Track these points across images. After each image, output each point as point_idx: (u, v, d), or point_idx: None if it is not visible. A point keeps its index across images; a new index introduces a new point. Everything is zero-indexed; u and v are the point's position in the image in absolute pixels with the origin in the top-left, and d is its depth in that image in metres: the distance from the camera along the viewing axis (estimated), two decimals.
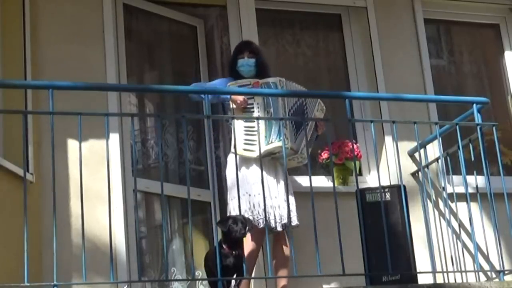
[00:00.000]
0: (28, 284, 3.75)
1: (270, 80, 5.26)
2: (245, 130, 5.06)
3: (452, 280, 5.10)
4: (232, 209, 4.99)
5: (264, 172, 5.02)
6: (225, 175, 5.27)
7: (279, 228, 5.01)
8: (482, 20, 7.00)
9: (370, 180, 5.99)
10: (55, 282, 3.86)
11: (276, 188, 5.07)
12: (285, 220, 5.00)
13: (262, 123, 5.02)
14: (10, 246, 4.47)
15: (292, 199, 5.09)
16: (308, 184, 4.47)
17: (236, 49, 5.54)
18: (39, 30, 5.42)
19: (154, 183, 5.44)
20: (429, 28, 6.70)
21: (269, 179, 5.07)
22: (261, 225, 4.91)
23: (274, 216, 5.00)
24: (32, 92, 5.11)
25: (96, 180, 4.95)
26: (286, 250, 5.06)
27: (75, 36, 5.51)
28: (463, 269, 5.14)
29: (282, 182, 5.07)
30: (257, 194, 4.96)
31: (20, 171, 4.60)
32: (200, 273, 5.43)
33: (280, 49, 6.51)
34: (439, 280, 5.07)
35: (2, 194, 4.68)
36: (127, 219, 5.23)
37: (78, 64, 5.43)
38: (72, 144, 5.15)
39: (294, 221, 5.04)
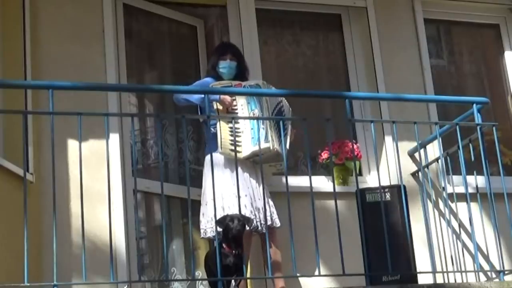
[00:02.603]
0: (28, 284, 3.75)
1: (253, 82, 5.31)
2: (230, 131, 5.03)
3: (452, 280, 5.10)
4: (220, 208, 4.96)
5: (247, 175, 5.06)
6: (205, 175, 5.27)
7: (263, 230, 5.03)
8: (482, 20, 7.00)
9: (370, 180, 5.99)
10: (55, 282, 3.86)
11: (258, 191, 5.10)
12: (268, 222, 5.02)
13: (248, 124, 5.04)
14: (10, 246, 4.47)
15: (270, 201, 5.15)
16: (308, 184, 4.47)
17: (219, 50, 5.56)
18: (39, 30, 5.42)
19: (154, 183, 5.44)
20: (429, 28, 6.70)
21: (252, 182, 5.09)
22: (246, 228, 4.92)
23: (259, 218, 5.02)
24: (32, 92, 5.11)
25: (96, 180, 4.95)
26: (274, 252, 5.07)
27: (75, 36, 5.51)
28: (463, 269, 5.14)
29: (262, 185, 5.13)
30: (243, 196, 4.96)
31: (20, 171, 4.60)
32: (200, 273, 5.43)
33: (280, 49, 6.51)
34: (439, 280, 5.08)
35: (2, 194, 4.67)
36: (127, 219, 5.23)
37: (78, 64, 5.43)
38: (72, 144, 5.15)
39: (277, 223, 5.13)
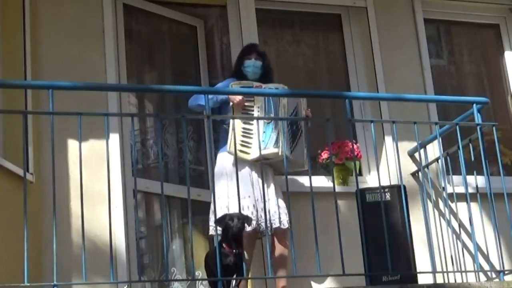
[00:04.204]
0: (28, 284, 3.75)
1: (273, 85, 5.27)
2: (243, 132, 5.05)
3: (452, 280, 5.10)
4: (219, 208, 4.95)
5: (255, 175, 5.06)
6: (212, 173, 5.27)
7: (269, 232, 5.02)
8: (482, 20, 7.01)
9: (370, 180, 5.99)
10: (55, 282, 3.86)
11: (267, 192, 5.09)
12: (276, 224, 5.02)
13: (260, 127, 5.04)
14: (10, 246, 4.47)
15: (281, 202, 5.12)
16: (308, 184, 4.47)
17: (244, 50, 5.55)
18: (39, 30, 5.42)
19: (154, 183, 5.43)
20: (429, 28, 6.70)
21: (260, 183, 5.08)
22: (248, 228, 4.91)
23: (267, 219, 5.00)
24: (32, 92, 5.11)
25: (96, 180, 4.94)
26: (285, 251, 5.06)
27: (75, 36, 5.51)
28: (463, 269, 5.14)
29: (272, 186, 5.12)
30: (247, 196, 4.96)
31: (20, 171, 4.60)
32: (200, 273, 5.43)
33: (280, 49, 6.51)
34: (439, 280, 5.08)
35: (2, 194, 4.67)
36: (127, 219, 5.23)
37: (78, 64, 5.43)
38: (72, 144, 5.15)
39: (285, 224, 5.08)
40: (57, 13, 5.53)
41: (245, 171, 5.04)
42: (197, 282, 5.64)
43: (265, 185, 5.08)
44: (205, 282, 5.45)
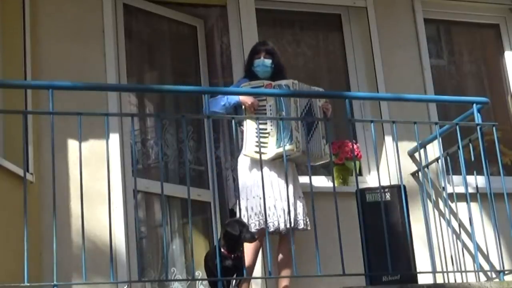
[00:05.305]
0: (28, 284, 3.75)
1: (283, 82, 5.24)
2: (257, 132, 5.03)
3: (452, 280, 5.10)
4: (244, 209, 4.99)
5: (275, 175, 5.05)
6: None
7: (285, 231, 5.01)
8: (482, 20, 7.01)
9: (370, 180, 5.99)
10: (55, 282, 3.86)
11: (286, 191, 5.07)
12: (287, 225, 5.01)
13: (274, 126, 5.02)
14: (10, 246, 4.47)
15: (301, 202, 5.11)
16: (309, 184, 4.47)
17: (253, 50, 5.51)
18: (39, 30, 5.42)
19: (154, 183, 5.43)
20: (429, 28, 6.70)
21: (280, 182, 5.05)
22: (271, 229, 4.94)
23: (284, 219, 4.99)
24: (32, 92, 5.11)
25: (96, 180, 4.94)
26: (290, 251, 5.06)
27: (75, 36, 5.51)
28: (463, 269, 5.14)
29: (291, 186, 5.07)
30: (267, 197, 4.93)
31: (20, 171, 4.60)
32: (200, 273, 5.43)
33: (280, 49, 6.48)
34: (439, 280, 5.08)
35: (2, 194, 4.67)
36: (127, 219, 5.23)
37: (78, 64, 5.43)
38: (72, 144, 5.15)
39: (301, 225, 5.07)
40: (57, 13, 5.53)
41: (264, 171, 4.99)
42: (197, 282, 5.64)
43: (285, 185, 5.06)
44: (205, 282, 5.45)
